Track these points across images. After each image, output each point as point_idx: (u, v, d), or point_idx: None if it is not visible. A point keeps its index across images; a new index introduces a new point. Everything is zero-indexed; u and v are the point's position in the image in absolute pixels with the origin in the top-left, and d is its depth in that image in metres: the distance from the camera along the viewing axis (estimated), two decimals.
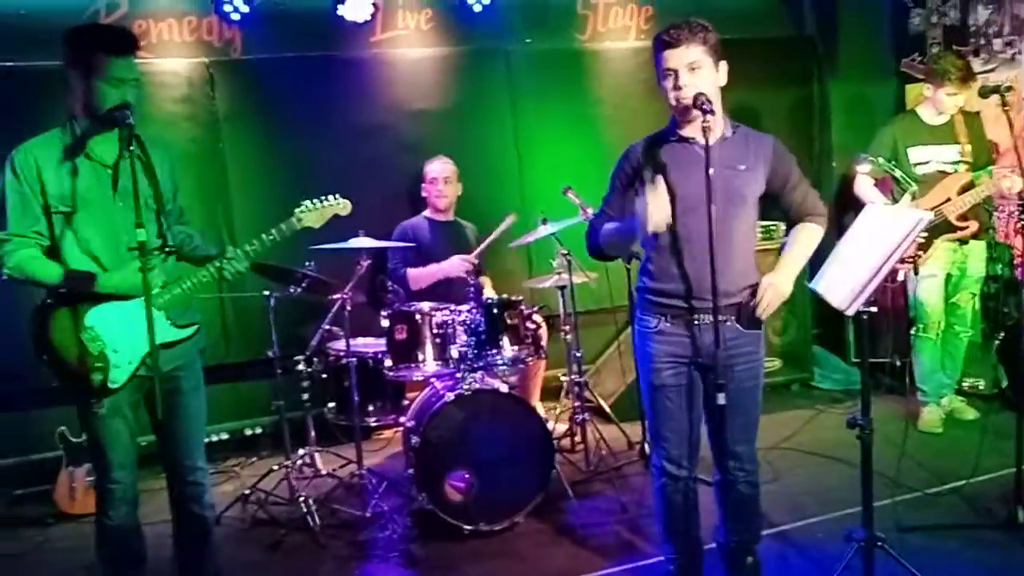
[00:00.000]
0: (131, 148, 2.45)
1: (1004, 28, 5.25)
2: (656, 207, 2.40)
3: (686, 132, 2.58)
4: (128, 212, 2.49)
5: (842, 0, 5.88)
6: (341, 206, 3.03)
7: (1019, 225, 3.41)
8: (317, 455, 4.36)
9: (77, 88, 2.53)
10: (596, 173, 5.24)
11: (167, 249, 2.76)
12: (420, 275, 4.55)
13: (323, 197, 2.99)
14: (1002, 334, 4.72)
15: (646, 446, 4.26)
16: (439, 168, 4.73)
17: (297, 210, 2.92)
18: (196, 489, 2.85)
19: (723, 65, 2.56)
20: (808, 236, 2.71)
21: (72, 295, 2.58)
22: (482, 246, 4.58)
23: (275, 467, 4.18)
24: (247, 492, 4.09)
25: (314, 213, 2.94)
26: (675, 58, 2.48)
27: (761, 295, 2.56)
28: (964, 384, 4.83)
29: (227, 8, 4.71)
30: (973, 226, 4.28)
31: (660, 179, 2.48)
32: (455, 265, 4.51)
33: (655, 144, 2.64)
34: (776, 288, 2.56)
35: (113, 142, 2.59)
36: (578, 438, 4.49)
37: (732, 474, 2.72)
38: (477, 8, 5.10)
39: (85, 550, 3.12)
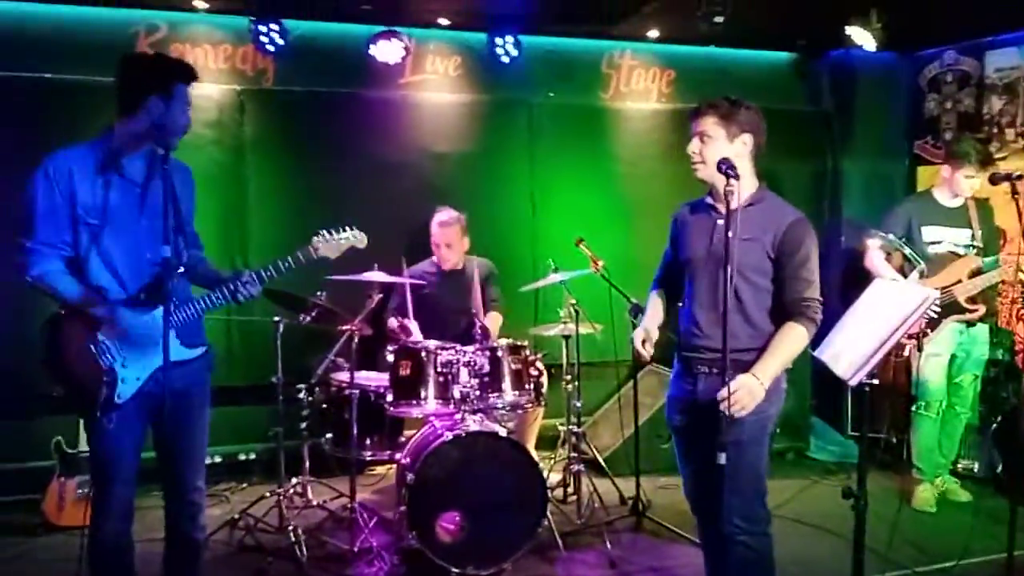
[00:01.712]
0: (165, 166, 2.54)
1: (1017, 118, 5.37)
2: (639, 340, 2.87)
3: (708, 199, 2.84)
4: (151, 230, 2.58)
5: (860, 79, 6.02)
6: (358, 239, 3.05)
7: (1021, 311, 3.45)
8: (310, 485, 4.35)
9: (154, 110, 2.61)
10: (608, 228, 5.42)
11: (181, 270, 2.80)
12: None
13: (341, 228, 3.02)
14: (999, 418, 4.74)
15: (639, 503, 4.25)
16: (440, 235, 4.63)
17: (314, 238, 2.95)
18: (192, 509, 2.85)
19: (747, 137, 2.71)
20: (793, 339, 2.66)
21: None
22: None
23: (267, 494, 4.18)
24: (237, 517, 4.09)
25: (331, 244, 2.97)
26: (693, 127, 2.75)
27: (734, 392, 2.53)
28: (959, 465, 4.83)
29: (263, 39, 4.86)
30: (981, 309, 4.33)
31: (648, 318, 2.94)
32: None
33: (686, 209, 2.95)
34: (750, 389, 2.56)
35: (142, 161, 2.68)
36: (571, 489, 4.49)
37: (728, 527, 2.73)
38: (505, 59, 5.23)
39: (68, 561, 3.12)
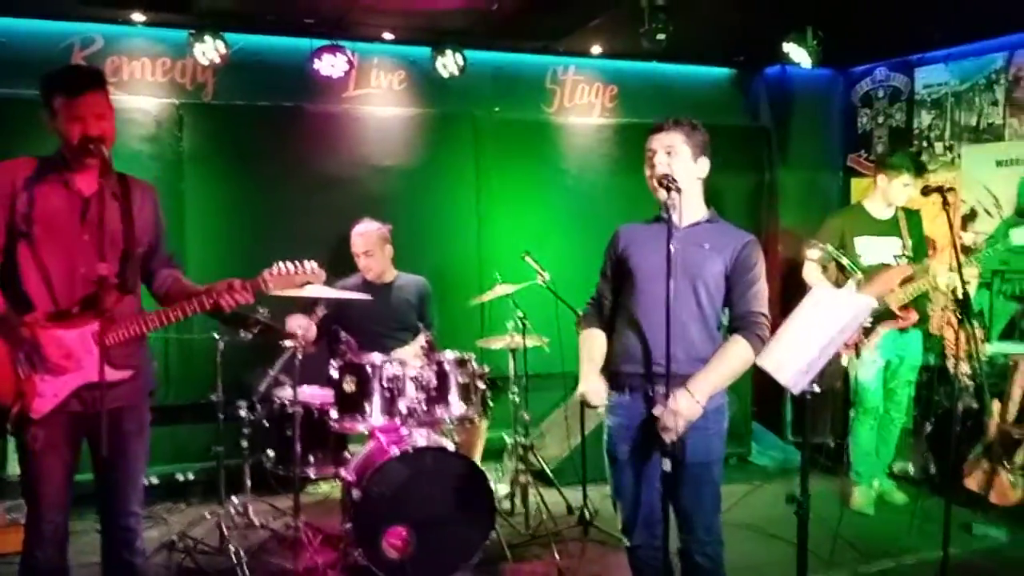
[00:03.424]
0: (101, 179, 2.50)
1: (945, 132, 5.58)
2: (590, 393, 2.73)
3: (663, 213, 2.69)
4: (93, 246, 2.51)
5: (796, 95, 6.20)
6: (314, 274, 2.82)
7: (951, 318, 3.57)
8: (251, 504, 4.26)
9: (50, 123, 2.61)
10: (554, 240, 5.46)
11: (123, 289, 2.71)
12: None
13: (297, 262, 2.79)
14: (933, 421, 4.89)
15: (586, 512, 4.27)
16: (357, 243, 4.52)
17: (265, 271, 2.76)
18: (128, 535, 2.77)
19: (704, 161, 2.74)
20: (737, 355, 2.63)
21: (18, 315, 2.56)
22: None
23: (207, 514, 4.08)
24: (175, 539, 3.98)
25: (284, 278, 2.77)
26: (656, 141, 2.70)
27: (663, 418, 2.49)
28: (894, 468, 4.96)
29: (200, 52, 4.76)
30: (913, 316, 4.46)
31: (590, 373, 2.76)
32: (406, 359, 4.12)
33: (631, 227, 2.86)
34: (678, 414, 2.49)
35: (94, 175, 2.61)
36: (519, 500, 4.48)
37: (689, 545, 2.74)
38: (449, 74, 5.22)
39: None
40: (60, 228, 2.60)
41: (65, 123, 2.57)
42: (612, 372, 2.77)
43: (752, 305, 2.68)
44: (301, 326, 3.93)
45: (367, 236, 4.54)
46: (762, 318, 2.68)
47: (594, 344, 2.83)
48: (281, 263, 2.79)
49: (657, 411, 2.51)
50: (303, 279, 2.82)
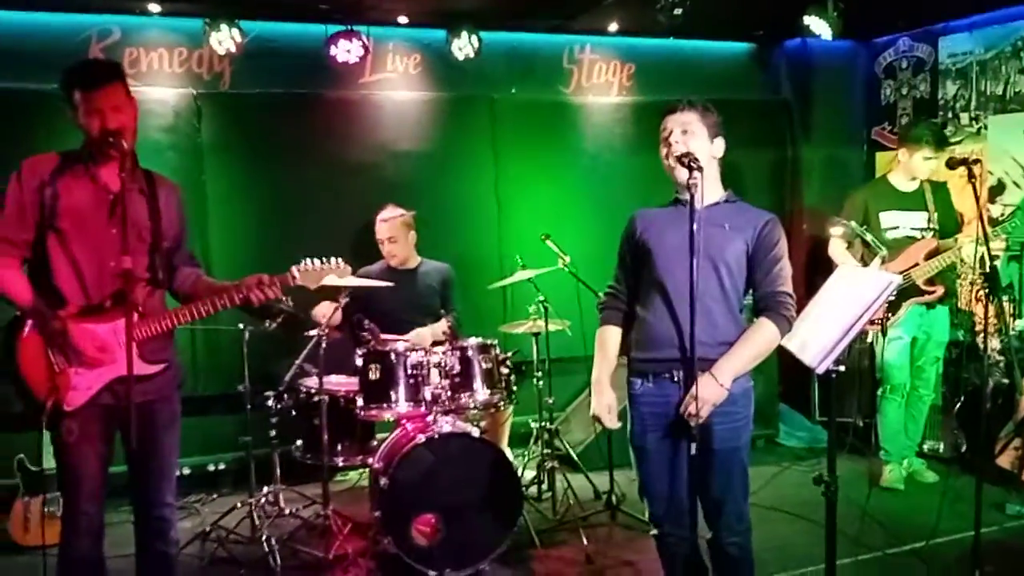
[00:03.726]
0: (121, 173, 2.51)
1: (971, 103, 5.47)
2: (603, 415, 2.71)
3: (681, 196, 2.68)
4: (119, 239, 2.53)
5: (817, 68, 6.09)
6: (339, 270, 2.89)
7: (979, 293, 3.51)
8: (281, 493, 4.30)
9: (73, 117, 2.63)
10: (574, 222, 5.42)
11: (154, 284, 2.77)
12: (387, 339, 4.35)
13: (324, 259, 2.86)
14: (962, 398, 4.83)
15: (613, 496, 4.27)
16: (382, 229, 4.55)
17: (293, 267, 2.82)
18: (162, 525, 2.81)
19: (720, 141, 2.69)
20: (761, 337, 2.60)
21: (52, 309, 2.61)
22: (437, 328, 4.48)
23: (238, 504, 4.12)
24: (208, 529, 4.03)
25: (311, 273, 2.83)
26: (672, 121, 2.66)
27: (687, 403, 2.49)
28: (924, 447, 4.92)
29: (217, 40, 4.75)
30: (940, 291, 4.40)
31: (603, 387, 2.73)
32: (424, 339, 4.34)
33: (648, 211, 2.80)
34: (703, 399, 2.46)
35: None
36: (546, 486, 4.49)
37: (719, 533, 2.71)
38: (460, 57, 5.18)
39: None
40: (89, 223, 2.64)
41: (84, 117, 2.60)
42: (635, 359, 2.74)
43: (776, 285, 2.64)
44: (325, 313, 3.96)
45: (391, 222, 4.56)
46: (787, 298, 2.64)
47: (603, 347, 2.79)
48: (309, 260, 2.83)
49: (687, 402, 2.49)
50: (329, 274, 2.86)
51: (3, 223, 2.62)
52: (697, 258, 2.42)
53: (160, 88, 4.83)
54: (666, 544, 2.78)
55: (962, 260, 4.41)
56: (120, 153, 2.55)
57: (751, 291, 2.71)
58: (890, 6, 5.41)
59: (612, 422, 2.73)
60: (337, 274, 2.87)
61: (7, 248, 2.62)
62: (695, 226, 2.41)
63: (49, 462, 3.85)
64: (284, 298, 3.78)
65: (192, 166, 4.86)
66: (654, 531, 2.78)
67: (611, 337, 2.80)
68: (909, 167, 4.46)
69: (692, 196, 2.45)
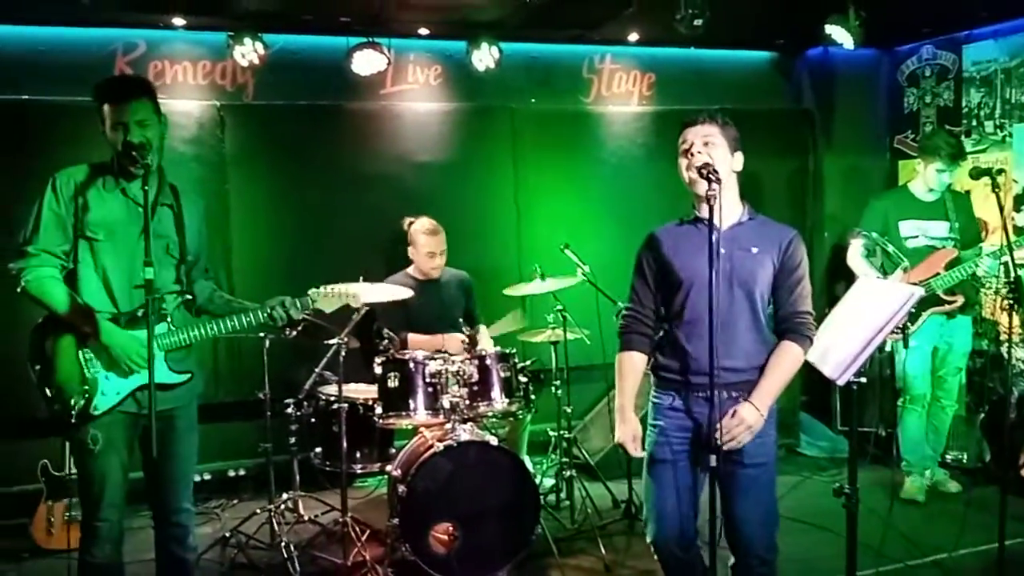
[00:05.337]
0: (145, 187, 2.57)
1: (995, 111, 5.41)
2: (627, 442, 2.68)
3: (701, 213, 2.65)
4: (146, 251, 2.58)
5: (839, 77, 6.06)
6: (355, 297, 3.07)
7: (1004, 303, 3.47)
8: (300, 500, 4.33)
9: (104, 136, 2.72)
10: (593, 231, 5.43)
11: (181, 298, 2.85)
12: (420, 343, 4.42)
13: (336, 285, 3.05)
14: (987, 408, 4.76)
15: (632, 505, 4.25)
16: (433, 243, 4.50)
17: (311, 291, 3.00)
18: (180, 531, 2.86)
19: (739, 155, 2.67)
20: (788, 361, 2.62)
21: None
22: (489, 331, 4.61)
23: (258, 510, 4.15)
24: (228, 535, 4.06)
25: (329, 298, 3.01)
26: (692, 133, 2.64)
27: (729, 430, 2.51)
28: (947, 457, 4.86)
29: (240, 53, 4.80)
30: (959, 300, 4.35)
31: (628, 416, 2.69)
32: (455, 344, 4.39)
33: (668, 230, 2.75)
34: (745, 424, 2.52)
35: (150, 184, 2.68)
36: (564, 494, 4.48)
37: (745, 560, 2.68)
38: (481, 68, 5.20)
39: None
40: (120, 234, 2.70)
41: (111, 130, 2.68)
42: (666, 377, 2.70)
43: (799, 305, 2.64)
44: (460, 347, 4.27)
45: (439, 237, 4.52)
46: (808, 317, 2.65)
47: (629, 375, 2.73)
48: (330, 286, 3.01)
49: (726, 424, 2.51)
50: (347, 300, 3.04)
51: (40, 234, 2.67)
52: (729, 287, 2.48)
53: (184, 100, 4.90)
54: (660, 549, 2.70)
55: (976, 276, 4.33)
56: (142, 167, 2.61)
57: (771, 306, 2.70)
58: (913, 14, 5.38)
59: (636, 451, 2.69)
60: (352, 302, 3.04)
61: (45, 257, 2.67)
62: (716, 245, 2.40)
63: (72, 468, 3.94)
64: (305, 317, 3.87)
65: (216, 177, 4.93)
66: (649, 536, 2.72)
67: (636, 364, 2.73)
68: (925, 177, 4.43)
69: (711, 209, 2.43)
